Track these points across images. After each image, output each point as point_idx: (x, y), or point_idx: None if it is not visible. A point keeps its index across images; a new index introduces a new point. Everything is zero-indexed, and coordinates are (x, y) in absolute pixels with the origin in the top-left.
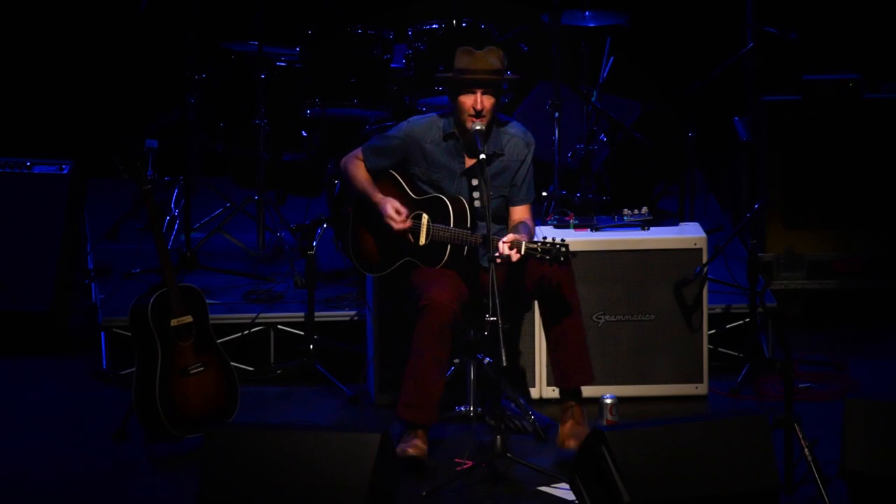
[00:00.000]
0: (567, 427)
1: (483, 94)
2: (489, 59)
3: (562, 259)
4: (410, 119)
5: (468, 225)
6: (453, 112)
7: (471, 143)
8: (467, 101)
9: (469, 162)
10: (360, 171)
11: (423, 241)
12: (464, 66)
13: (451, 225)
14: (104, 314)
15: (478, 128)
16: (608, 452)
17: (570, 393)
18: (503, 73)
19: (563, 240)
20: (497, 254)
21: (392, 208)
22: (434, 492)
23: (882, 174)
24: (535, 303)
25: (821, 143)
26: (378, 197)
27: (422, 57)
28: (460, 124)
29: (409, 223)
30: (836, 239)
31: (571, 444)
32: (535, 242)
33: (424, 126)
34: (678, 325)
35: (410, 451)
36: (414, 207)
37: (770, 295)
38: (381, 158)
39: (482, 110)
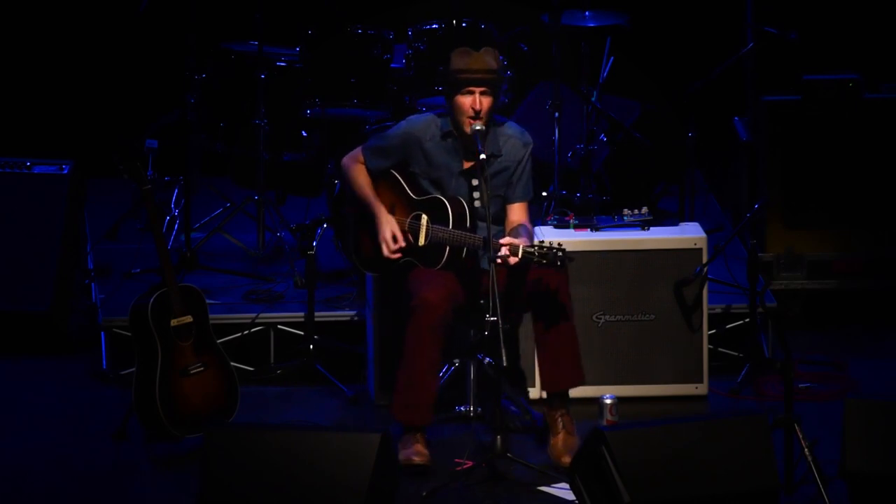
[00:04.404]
0: (560, 440)
1: (481, 94)
2: (486, 59)
3: (558, 263)
4: (409, 118)
5: (467, 226)
6: (450, 112)
7: (469, 143)
8: (465, 101)
9: (468, 164)
10: (361, 176)
11: (422, 241)
12: (461, 66)
13: (450, 226)
14: (104, 314)
15: (477, 128)
16: (608, 452)
17: (559, 397)
18: (500, 73)
19: (559, 243)
20: (497, 254)
21: (390, 232)
22: (434, 492)
23: (882, 174)
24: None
25: (821, 143)
26: (379, 211)
27: (422, 57)
28: (458, 125)
29: (399, 255)
30: (836, 239)
31: (566, 460)
32: (533, 246)
33: (423, 125)
34: (678, 325)
35: (416, 459)
36: (414, 208)
37: (770, 295)
38: (382, 159)
39: (480, 111)
